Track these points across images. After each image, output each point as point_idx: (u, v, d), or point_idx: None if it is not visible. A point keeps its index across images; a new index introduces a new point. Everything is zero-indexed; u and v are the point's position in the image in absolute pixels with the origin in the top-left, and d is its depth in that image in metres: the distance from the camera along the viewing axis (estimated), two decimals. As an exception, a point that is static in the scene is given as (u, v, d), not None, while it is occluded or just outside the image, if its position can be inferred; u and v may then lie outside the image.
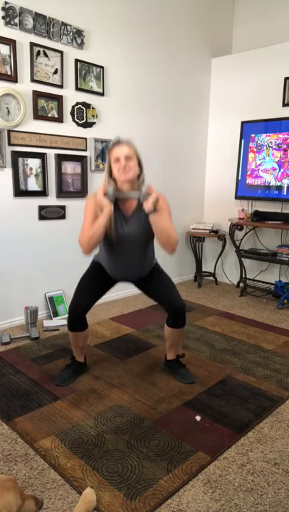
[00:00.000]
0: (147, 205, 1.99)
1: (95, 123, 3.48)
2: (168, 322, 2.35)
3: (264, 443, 1.89)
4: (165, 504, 1.53)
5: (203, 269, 4.79)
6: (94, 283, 2.33)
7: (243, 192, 4.28)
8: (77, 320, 2.27)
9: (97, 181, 3.58)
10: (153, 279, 2.35)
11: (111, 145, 2.11)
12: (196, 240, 4.53)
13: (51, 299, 3.41)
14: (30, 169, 3.11)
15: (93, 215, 2.09)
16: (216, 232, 4.48)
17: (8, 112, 2.90)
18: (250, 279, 4.40)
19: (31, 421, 2.00)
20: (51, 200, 3.31)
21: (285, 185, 3.94)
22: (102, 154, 3.55)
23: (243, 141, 4.22)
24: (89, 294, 2.29)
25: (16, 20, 2.85)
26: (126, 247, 2.19)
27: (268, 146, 4.02)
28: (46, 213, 3.29)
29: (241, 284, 4.31)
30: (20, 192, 3.08)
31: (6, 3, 2.78)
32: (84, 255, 2.14)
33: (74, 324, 2.28)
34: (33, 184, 3.15)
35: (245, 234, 4.37)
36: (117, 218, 2.14)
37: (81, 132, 3.40)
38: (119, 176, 2.08)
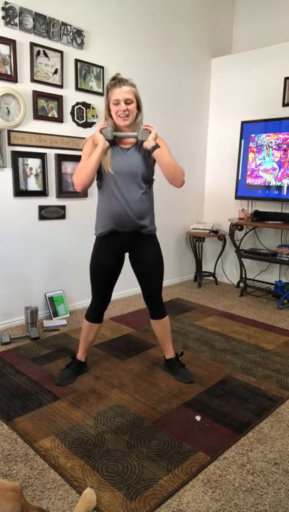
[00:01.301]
0: (149, 142, 2.02)
1: (95, 123, 3.48)
2: (150, 315, 2.42)
3: (264, 443, 1.89)
4: (165, 504, 1.53)
5: (203, 269, 4.79)
6: (105, 266, 2.25)
7: (243, 192, 4.28)
8: (99, 311, 2.35)
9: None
10: (147, 257, 2.26)
11: (110, 83, 2.05)
12: (196, 240, 4.53)
13: (51, 299, 3.41)
14: (30, 169, 3.11)
15: (90, 154, 2.08)
16: (216, 232, 4.48)
17: (8, 112, 2.90)
18: (250, 279, 4.40)
19: (31, 421, 2.00)
20: (51, 200, 3.31)
21: (285, 185, 3.94)
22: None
23: (243, 141, 4.22)
24: (106, 280, 2.27)
25: (16, 20, 2.85)
26: (125, 180, 2.10)
27: (268, 146, 4.02)
28: (46, 213, 3.29)
29: (241, 284, 4.31)
30: (20, 192, 3.08)
31: (6, 3, 2.78)
32: (77, 190, 2.11)
33: (94, 315, 2.35)
34: (33, 184, 3.15)
35: (245, 234, 4.37)
36: (115, 152, 2.11)
37: (81, 132, 3.40)
38: (118, 121, 2.07)
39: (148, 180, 2.18)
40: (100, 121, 2.19)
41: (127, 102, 2.04)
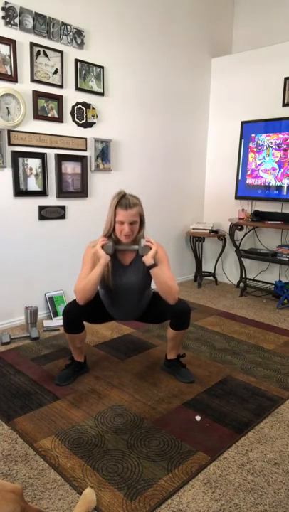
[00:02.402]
0: (148, 259, 2.07)
1: (95, 123, 3.48)
2: (172, 325, 2.33)
3: (264, 443, 1.89)
4: (165, 504, 1.53)
5: (203, 269, 4.79)
6: None
7: (243, 192, 4.28)
8: (73, 322, 2.25)
9: (97, 181, 3.58)
10: (152, 309, 2.40)
11: (117, 202, 2.08)
12: (196, 240, 4.53)
13: (51, 299, 3.41)
14: (30, 169, 3.11)
15: (91, 264, 2.13)
16: (216, 232, 4.48)
17: (8, 112, 2.90)
18: (250, 279, 4.40)
19: (31, 421, 2.00)
20: (51, 200, 3.31)
21: (285, 185, 3.94)
22: (102, 154, 3.55)
23: (243, 141, 4.22)
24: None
25: (16, 20, 2.85)
26: (124, 294, 2.25)
27: (268, 146, 4.02)
28: (46, 213, 3.29)
29: (241, 284, 4.31)
30: (20, 192, 3.08)
31: (6, 3, 2.78)
32: (80, 303, 2.16)
33: (71, 327, 2.26)
34: (33, 184, 3.15)
35: (245, 234, 4.37)
36: (115, 268, 2.19)
37: (81, 132, 3.40)
38: (121, 238, 2.14)
39: (146, 287, 2.29)
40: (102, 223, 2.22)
41: (132, 223, 2.10)
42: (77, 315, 2.23)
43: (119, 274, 2.21)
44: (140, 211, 2.16)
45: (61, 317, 3.36)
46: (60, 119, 3.23)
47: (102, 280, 2.20)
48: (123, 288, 2.23)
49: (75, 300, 2.24)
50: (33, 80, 3.01)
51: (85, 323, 2.32)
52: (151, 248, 2.12)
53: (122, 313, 2.36)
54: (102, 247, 2.11)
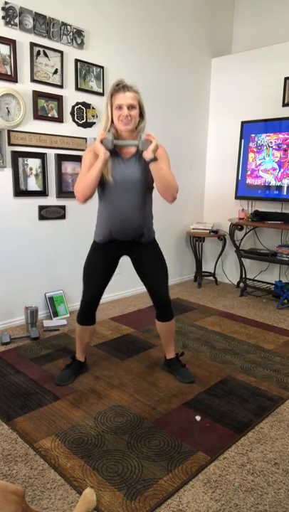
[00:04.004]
0: (148, 153, 1.98)
1: (95, 123, 3.48)
2: (156, 316, 2.39)
3: (264, 443, 1.89)
4: (165, 504, 1.53)
5: (203, 269, 4.79)
6: (99, 268, 2.27)
7: (243, 192, 4.28)
8: (89, 313, 2.32)
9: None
10: (148, 256, 2.28)
11: (114, 88, 2.04)
12: (196, 240, 4.53)
13: (51, 299, 3.41)
14: (30, 169, 3.11)
15: (91, 165, 2.05)
16: (216, 232, 4.48)
17: (8, 112, 2.90)
18: (250, 279, 4.40)
19: (31, 421, 2.00)
20: (51, 200, 3.31)
21: (285, 185, 3.94)
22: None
23: (243, 141, 4.22)
24: (98, 282, 2.27)
25: (16, 20, 2.85)
26: (125, 191, 2.11)
27: (268, 146, 4.02)
28: (46, 213, 3.29)
29: (241, 284, 4.31)
30: (20, 192, 3.08)
31: (6, 3, 2.78)
32: (79, 203, 2.11)
33: (85, 318, 2.32)
34: (33, 184, 3.15)
35: (245, 234, 4.37)
36: (115, 161, 2.10)
37: (81, 132, 3.40)
38: (120, 126, 2.05)
39: (147, 188, 2.18)
40: (100, 126, 2.16)
41: (130, 107, 2.02)
42: (94, 304, 2.29)
43: (119, 166, 2.11)
44: (139, 98, 2.08)
45: (61, 317, 3.37)
46: (60, 119, 3.23)
47: (102, 180, 2.10)
48: (123, 181, 2.10)
49: (86, 288, 2.26)
50: (33, 80, 3.01)
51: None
52: (151, 142, 2.02)
53: (122, 221, 2.15)
54: (101, 141, 2.01)
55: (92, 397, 2.22)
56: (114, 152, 2.10)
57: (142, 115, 2.13)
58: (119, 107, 2.02)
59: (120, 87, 2.02)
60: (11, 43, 2.85)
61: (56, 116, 3.20)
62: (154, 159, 2.01)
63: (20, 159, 3.03)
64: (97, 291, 2.29)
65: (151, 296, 2.34)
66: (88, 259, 2.30)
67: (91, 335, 2.40)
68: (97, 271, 2.27)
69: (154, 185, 2.13)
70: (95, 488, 1.58)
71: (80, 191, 2.06)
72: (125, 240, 2.22)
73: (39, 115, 3.09)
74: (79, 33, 3.22)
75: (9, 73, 2.88)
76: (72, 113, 3.31)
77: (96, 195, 2.21)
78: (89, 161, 2.07)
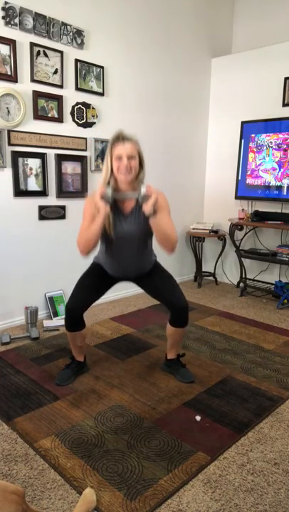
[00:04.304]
0: (147, 208, 1.96)
1: (95, 123, 3.48)
2: (170, 321, 2.34)
3: (264, 443, 1.89)
4: (165, 504, 1.53)
5: (203, 269, 4.79)
6: (93, 283, 2.32)
7: (243, 192, 4.28)
8: (75, 320, 2.26)
9: (97, 181, 3.57)
10: (154, 278, 2.34)
11: (113, 139, 2.06)
12: (196, 240, 4.53)
13: (51, 299, 3.41)
14: (30, 169, 3.11)
15: (91, 216, 2.07)
16: (216, 232, 4.48)
17: (8, 112, 2.90)
18: (250, 279, 4.40)
19: (31, 421, 2.00)
20: (51, 200, 3.31)
21: (285, 185, 3.94)
22: (102, 154, 3.55)
23: (243, 141, 4.22)
24: (87, 293, 2.28)
25: (16, 20, 2.85)
26: (125, 245, 2.18)
27: (268, 146, 4.02)
28: (46, 213, 3.29)
29: (241, 284, 4.31)
30: (20, 192, 3.08)
31: (6, 3, 2.78)
32: (82, 257, 2.14)
33: (71, 324, 2.27)
34: (33, 184, 3.15)
35: (245, 234, 4.37)
36: (115, 217, 2.13)
37: (81, 132, 3.40)
38: (120, 176, 2.07)
39: (149, 236, 2.23)
40: (100, 177, 2.16)
41: (130, 157, 2.04)
42: (78, 311, 2.24)
43: (120, 223, 2.13)
44: (138, 149, 2.09)
45: (61, 317, 3.37)
46: (60, 119, 3.23)
47: (103, 231, 2.13)
48: (124, 237, 2.15)
49: (74, 296, 2.25)
50: (33, 80, 3.01)
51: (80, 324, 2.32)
52: (150, 196, 1.99)
53: (123, 268, 2.26)
54: (102, 197, 2.01)
55: (92, 397, 2.22)
56: (115, 206, 2.12)
57: (141, 165, 2.14)
58: (119, 158, 2.03)
59: (120, 138, 2.05)
60: (11, 43, 2.85)
61: (56, 116, 3.20)
62: (153, 214, 1.99)
63: (20, 159, 3.03)
64: (84, 301, 2.26)
65: (169, 305, 2.29)
66: (85, 274, 2.35)
67: (83, 339, 2.38)
68: (91, 286, 2.31)
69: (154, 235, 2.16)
70: (95, 488, 1.58)
71: (83, 246, 2.09)
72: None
73: (39, 115, 3.09)
74: (79, 33, 3.22)
75: (9, 73, 2.88)
76: (72, 113, 3.31)
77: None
78: (89, 211, 2.09)
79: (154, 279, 2.34)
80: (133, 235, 2.16)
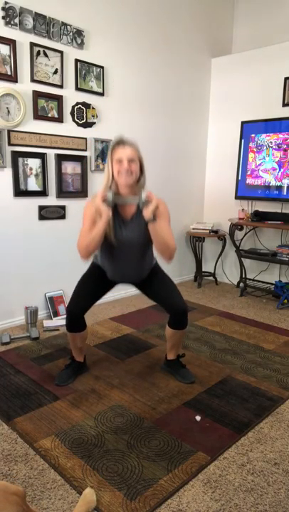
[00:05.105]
0: (147, 214, 1.98)
1: (95, 123, 3.48)
2: (169, 323, 2.34)
3: (264, 443, 1.89)
4: (165, 504, 1.53)
5: (203, 269, 4.79)
6: (93, 284, 2.33)
7: (243, 192, 4.28)
8: (76, 321, 2.27)
9: (97, 181, 3.58)
10: (154, 281, 2.35)
11: (114, 144, 2.07)
12: (196, 240, 4.53)
13: (51, 299, 3.41)
14: (30, 169, 3.11)
15: (92, 220, 2.08)
16: (216, 232, 4.48)
17: (8, 112, 2.90)
18: (250, 279, 4.40)
19: (31, 421, 2.00)
20: (51, 200, 3.31)
21: (285, 185, 3.94)
22: (102, 154, 3.55)
23: (243, 141, 4.22)
24: (88, 294, 2.29)
25: (16, 20, 2.85)
26: (125, 250, 2.19)
27: (268, 146, 4.02)
28: (46, 213, 3.29)
29: (241, 284, 4.31)
30: (20, 192, 3.08)
31: (6, 3, 2.78)
32: (82, 260, 2.15)
33: (72, 325, 2.28)
34: (33, 184, 3.15)
35: (245, 234, 4.37)
36: (116, 223, 2.14)
37: (81, 132, 3.40)
38: (120, 180, 2.07)
39: (147, 243, 2.22)
40: (102, 181, 2.17)
41: (130, 161, 2.05)
42: (80, 313, 2.25)
43: (120, 229, 2.14)
44: (139, 154, 2.10)
45: (61, 317, 3.37)
46: (60, 119, 3.23)
47: (104, 237, 2.13)
48: (124, 243, 2.16)
49: (74, 298, 2.25)
50: (33, 80, 3.01)
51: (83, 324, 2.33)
52: (151, 201, 1.99)
53: (123, 272, 2.27)
54: (104, 201, 2.01)
55: (92, 397, 2.22)
56: (115, 211, 2.13)
57: (141, 171, 2.15)
58: (120, 161, 2.04)
59: (120, 142, 2.06)
60: (11, 43, 2.85)
61: (56, 116, 3.20)
62: (153, 220, 2.01)
63: (20, 159, 3.03)
64: (85, 303, 2.27)
65: (168, 308, 2.30)
66: (85, 276, 2.35)
67: (83, 340, 2.38)
68: (92, 288, 2.31)
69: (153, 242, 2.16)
70: (95, 488, 1.58)
71: (84, 250, 2.09)
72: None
73: (39, 115, 3.09)
74: (79, 33, 3.22)
75: (9, 73, 2.88)
76: (72, 113, 3.31)
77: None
78: (90, 216, 2.09)
79: (153, 282, 2.35)
80: (133, 241, 2.17)
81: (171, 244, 2.10)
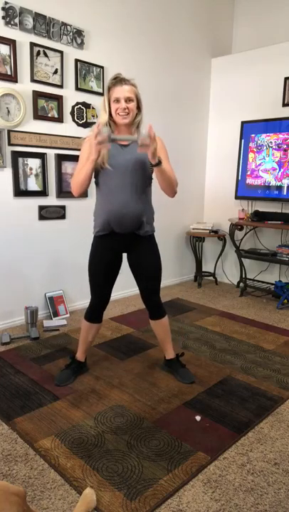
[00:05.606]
0: (152, 156, 1.95)
1: (95, 123, 3.47)
2: (149, 315, 2.42)
3: (264, 443, 1.89)
4: (165, 504, 1.53)
5: (203, 269, 4.79)
6: (104, 262, 2.25)
7: (243, 192, 4.28)
8: (99, 311, 2.35)
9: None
10: (144, 254, 2.26)
11: (111, 82, 2.04)
12: (196, 240, 4.53)
13: (51, 299, 3.41)
14: (30, 169, 3.11)
15: (86, 157, 2.04)
16: (216, 232, 4.48)
17: (8, 112, 2.90)
18: (250, 279, 4.40)
19: (31, 421, 2.00)
20: (51, 200, 3.31)
21: (285, 185, 3.94)
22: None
23: (243, 141, 4.22)
24: (103, 279, 2.27)
25: (16, 20, 2.85)
26: (124, 175, 2.09)
27: (268, 146, 4.02)
28: (46, 213, 3.29)
29: (241, 284, 4.31)
30: (20, 192, 3.08)
31: (6, 3, 2.78)
32: (74, 195, 2.15)
33: (94, 316, 2.35)
34: (33, 184, 3.15)
35: (245, 234, 4.37)
36: (113, 148, 2.07)
37: (81, 132, 3.40)
38: (117, 119, 2.06)
39: (147, 177, 2.16)
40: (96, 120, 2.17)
41: (128, 100, 2.03)
42: (105, 302, 2.34)
43: (118, 153, 2.09)
44: (136, 91, 2.09)
45: (61, 317, 3.37)
46: (60, 119, 3.23)
47: (98, 169, 2.10)
48: (122, 166, 2.08)
49: (94, 293, 2.30)
50: (33, 80, 3.01)
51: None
52: (150, 136, 1.91)
53: (121, 215, 2.11)
54: (96, 136, 1.90)
55: (92, 397, 2.22)
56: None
57: (139, 108, 2.13)
58: (117, 100, 2.03)
59: (117, 80, 2.03)
60: (11, 43, 2.85)
61: (56, 116, 3.20)
62: (159, 163, 2.00)
63: (20, 159, 3.03)
64: (104, 289, 2.30)
65: (142, 296, 2.37)
66: (91, 257, 2.29)
67: (95, 334, 2.42)
68: (102, 268, 2.26)
69: (155, 179, 2.14)
70: (95, 488, 1.58)
71: (75, 187, 2.11)
72: (124, 233, 2.18)
73: (39, 115, 3.09)
74: (79, 33, 3.22)
75: (9, 73, 2.88)
76: (72, 113, 3.31)
77: (93, 186, 2.22)
78: (86, 151, 2.06)
79: (143, 252, 2.26)
80: (131, 163, 2.08)
81: (174, 179, 2.14)
